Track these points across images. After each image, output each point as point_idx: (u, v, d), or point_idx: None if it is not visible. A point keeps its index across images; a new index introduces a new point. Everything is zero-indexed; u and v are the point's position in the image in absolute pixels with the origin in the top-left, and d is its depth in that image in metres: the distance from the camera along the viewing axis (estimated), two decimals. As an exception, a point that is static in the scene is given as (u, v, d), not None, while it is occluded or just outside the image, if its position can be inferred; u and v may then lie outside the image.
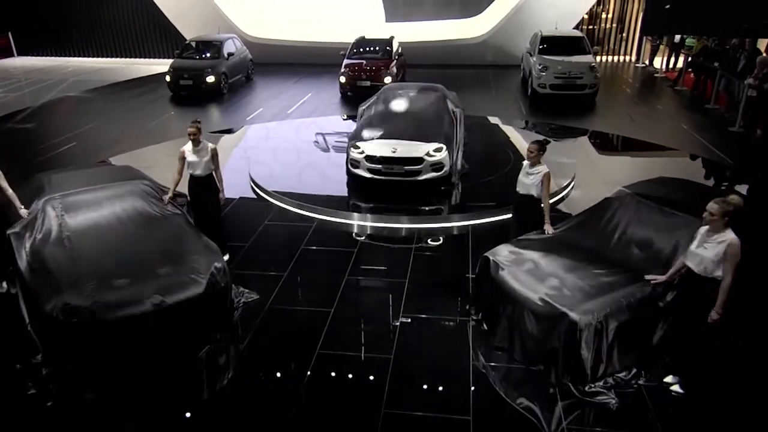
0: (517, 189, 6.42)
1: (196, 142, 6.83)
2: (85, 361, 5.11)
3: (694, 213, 5.29)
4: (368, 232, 8.25)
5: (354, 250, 7.60)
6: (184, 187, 7.05)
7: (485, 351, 5.59)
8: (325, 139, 11.96)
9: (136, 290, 5.26)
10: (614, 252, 5.76)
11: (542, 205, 6.23)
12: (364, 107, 10.63)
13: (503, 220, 8.22)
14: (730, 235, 4.54)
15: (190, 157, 6.85)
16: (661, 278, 5.16)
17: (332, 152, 11.26)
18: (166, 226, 6.35)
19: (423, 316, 6.16)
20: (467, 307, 6.25)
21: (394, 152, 8.87)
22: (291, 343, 5.79)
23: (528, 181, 6.25)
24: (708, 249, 4.61)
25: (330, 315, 6.18)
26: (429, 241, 7.99)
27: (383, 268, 7.29)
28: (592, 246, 5.90)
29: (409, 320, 6.08)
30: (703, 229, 4.72)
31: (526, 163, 6.35)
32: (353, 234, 8.18)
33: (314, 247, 7.77)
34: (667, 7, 13.65)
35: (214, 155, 6.93)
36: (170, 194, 6.80)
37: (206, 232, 6.46)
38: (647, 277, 5.23)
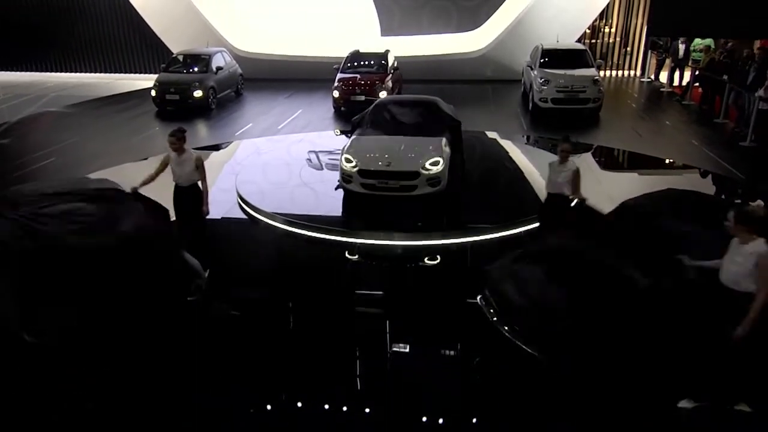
0: (548, 190, 6.86)
1: (180, 152, 6.92)
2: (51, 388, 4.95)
3: (704, 225, 5.22)
4: (361, 250, 8.10)
5: (345, 270, 7.47)
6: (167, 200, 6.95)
7: (487, 382, 5.42)
8: (316, 155, 11.89)
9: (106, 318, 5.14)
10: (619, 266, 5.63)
11: (575, 195, 6.68)
12: (357, 120, 10.59)
13: (504, 236, 8.16)
14: (761, 247, 4.39)
15: (174, 166, 6.94)
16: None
17: (323, 167, 11.19)
18: (141, 240, 6.19)
19: (419, 342, 5.97)
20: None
21: (388, 166, 8.79)
22: (275, 369, 5.59)
23: (560, 180, 6.68)
24: (738, 262, 4.50)
25: (317, 339, 6.00)
26: (426, 259, 7.87)
27: (376, 288, 7.14)
28: (596, 259, 5.79)
29: (405, 347, 5.91)
30: (735, 240, 4.61)
31: (554, 162, 6.80)
32: (345, 252, 8.03)
33: (303, 266, 7.64)
34: None
35: (199, 166, 6.96)
36: (138, 185, 6.63)
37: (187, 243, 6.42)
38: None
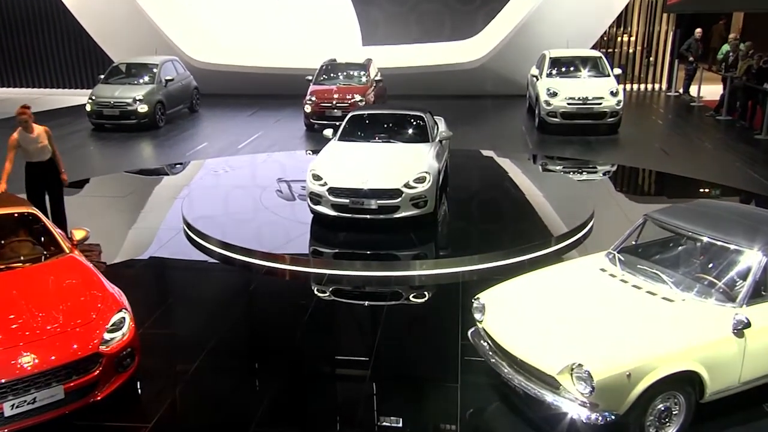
0: None
1: (28, 128, 8.10)
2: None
3: (740, 237, 5.32)
4: (330, 284, 7.92)
5: (309, 309, 7.27)
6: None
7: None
8: (282, 177, 11.78)
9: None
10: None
11: None
12: (330, 132, 10.48)
13: (500, 266, 8.06)
14: None
15: (27, 144, 8.07)
16: None
17: (286, 189, 11.10)
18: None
19: (402, 415, 5.55)
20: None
21: (364, 183, 8.61)
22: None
23: None
24: None
25: (289, 409, 5.67)
26: (411, 297, 7.70)
27: (347, 333, 7.04)
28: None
29: (391, 421, 5.54)
30: None
31: None
32: (313, 288, 7.87)
33: (258, 305, 7.57)
34: None
35: (50, 137, 8.24)
36: (2, 184, 7.85)
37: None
38: None
